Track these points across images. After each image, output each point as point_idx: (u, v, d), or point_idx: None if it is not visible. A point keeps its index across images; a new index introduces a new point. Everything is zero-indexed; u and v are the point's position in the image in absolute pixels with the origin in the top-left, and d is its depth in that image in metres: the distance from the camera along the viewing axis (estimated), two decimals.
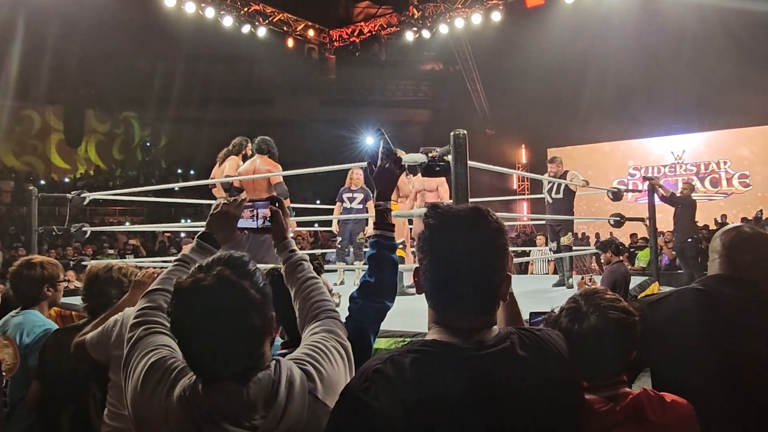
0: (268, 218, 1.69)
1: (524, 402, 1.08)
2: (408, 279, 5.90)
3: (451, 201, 3.37)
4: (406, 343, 2.94)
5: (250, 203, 1.70)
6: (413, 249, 5.96)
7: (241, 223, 1.68)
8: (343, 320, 1.94)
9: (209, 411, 1.19)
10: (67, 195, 5.84)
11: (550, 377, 1.13)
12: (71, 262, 6.54)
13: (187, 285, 1.24)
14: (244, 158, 5.86)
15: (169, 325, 1.38)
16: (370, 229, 6.76)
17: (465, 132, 3.27)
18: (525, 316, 3.36)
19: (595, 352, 1.40)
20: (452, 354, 1.09)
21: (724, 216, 14.86)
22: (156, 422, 1.23)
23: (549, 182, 6.50)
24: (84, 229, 5.85)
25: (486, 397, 1.06)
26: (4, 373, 2.18)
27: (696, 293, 1.79)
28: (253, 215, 1.69)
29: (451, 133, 3.26)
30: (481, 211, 1.17)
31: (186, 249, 1.64)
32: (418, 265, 1.20)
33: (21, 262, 2.70)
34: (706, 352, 1.66)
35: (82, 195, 5.77)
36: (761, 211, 14.11)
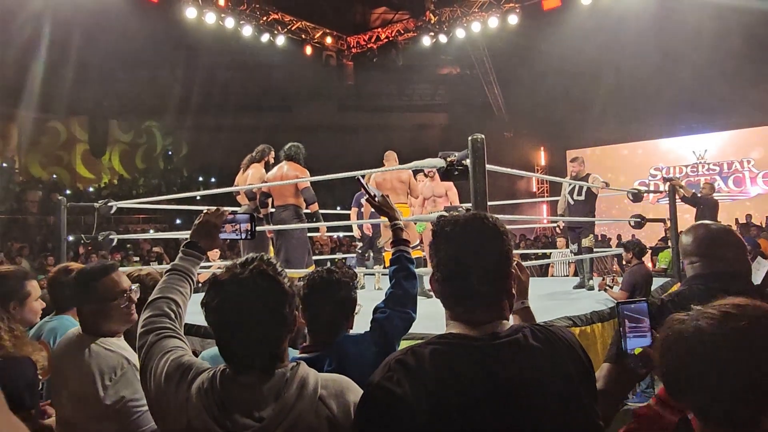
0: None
1: (538, 389, 1.14)
2: (428, 282, 5.94)
3: (469, 204, 3.42)
4: None
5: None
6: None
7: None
8: (368, 329, 2.02)
9: (223, 402, 1.28)
10: (95, 204, 6.00)
11: (563, 367, 1.18)
12: None
13: (226, 278, 1.34)
14: (267, 165, 5.96)
15: (174, 328, 1.51)
16: (385, 233, 6.83)
17: (483, 136, 3.31)
18: (547, 318, 3.37)
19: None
20: (468, 344, 1.18)
21: (748, 216, 14.63)
22: (177, 413, 1.32)
23: (570, 184, 6.50)
24: (111, 237, 6.00)
25: (501, 384, 1.13)
26: (40, 376, 2.26)
27: (703, 294, 1.78)
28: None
29: (469, 138, 3.31)
30: (479, 216, 1.29)
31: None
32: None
33: (58, 268, 2.81)
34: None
35: (109, 204, 5.93)
36: None
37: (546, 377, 1.15)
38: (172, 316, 1.55)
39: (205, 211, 1.79)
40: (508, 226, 1.33)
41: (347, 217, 8.74)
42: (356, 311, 2.07)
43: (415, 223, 5.75)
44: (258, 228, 3.34)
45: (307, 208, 5.44)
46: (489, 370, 1.13)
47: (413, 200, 6.20)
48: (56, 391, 2.03)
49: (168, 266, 1.71)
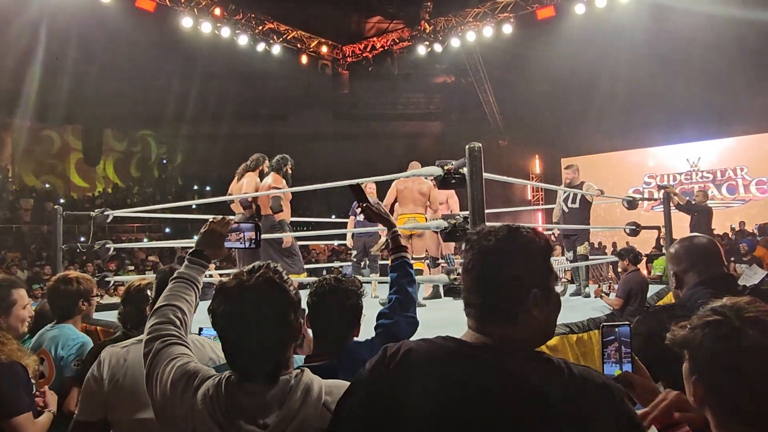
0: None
1: (498, 409, 1.06)
2: (425, 291, 5.96)
3: (466, 213, 3.43)
4: None
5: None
6: (427, 261, 6.03)
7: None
8: (374, 335, 2.03)
9: (228, 409, 1.29)
10: (91, 213, 5.99)
11: (538, 389, 1.07)
12: (95, 279, 6.67)
13: (232, 285, 1.35)
14: (261, 174, 5.98)
15: (180, 335, 1.52)
16: (382, 240, 6.85)
17: (480, 145, 3.33)
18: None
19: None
20: (449, 347, 1.15)
21: (742, 223, 14.73)
22: (182, 419, 1.34)
23: (564, 192, 6.53)
24: (107, 246, 5.98)
25: (457, 394, 1.09)
26: (34, 381, 2.27)
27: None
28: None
29: (467, 146, 3.33)
30: (513, 230, 1.23)
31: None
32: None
33: (58, 277, 2.81)
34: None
35: (105, 213, 5.92)
36: None
37: (516, 402, 1.05)
38: (178, 323, 1.56)
39: (211, 220, 1.80)
40: None
41: (343, 226, 8.75)
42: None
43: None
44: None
45: (273, 216, 5.50)
46: (451, 375, 1.10)
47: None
48: (131, 404, 1.88)
49: (174, 274, 1.73)
